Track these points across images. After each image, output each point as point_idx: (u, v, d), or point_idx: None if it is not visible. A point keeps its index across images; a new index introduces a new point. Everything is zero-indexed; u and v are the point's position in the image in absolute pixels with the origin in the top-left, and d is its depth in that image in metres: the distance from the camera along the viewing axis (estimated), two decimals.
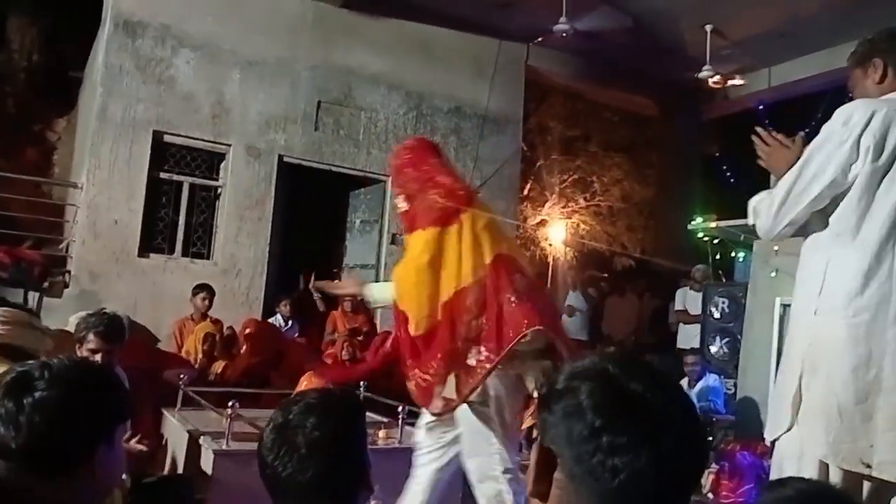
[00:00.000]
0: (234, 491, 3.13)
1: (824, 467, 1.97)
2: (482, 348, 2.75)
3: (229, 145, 7.45)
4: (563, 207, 10.47)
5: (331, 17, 7.90)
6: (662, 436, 0.83)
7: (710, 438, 5.15)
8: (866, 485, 1.97)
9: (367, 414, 2.74)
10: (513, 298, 2.75)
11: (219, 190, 7.52)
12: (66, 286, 6.74)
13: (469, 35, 8.53)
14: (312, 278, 7.35)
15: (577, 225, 10.41)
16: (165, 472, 3.77)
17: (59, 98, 9.78)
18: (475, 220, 2.90)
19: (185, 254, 7.29)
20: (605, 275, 10.61)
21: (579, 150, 10.84)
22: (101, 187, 6.87)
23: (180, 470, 3.66)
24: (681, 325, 7.70)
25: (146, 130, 7.05)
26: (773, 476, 2.14)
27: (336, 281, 3.91)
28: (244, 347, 6.00)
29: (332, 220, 8.71)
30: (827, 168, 2.02)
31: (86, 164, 6.97)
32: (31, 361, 1.47)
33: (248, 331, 6.02)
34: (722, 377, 6.31)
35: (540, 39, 7.80)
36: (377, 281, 6.69)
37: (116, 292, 6.66)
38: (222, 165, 7.53)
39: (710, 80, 8.42)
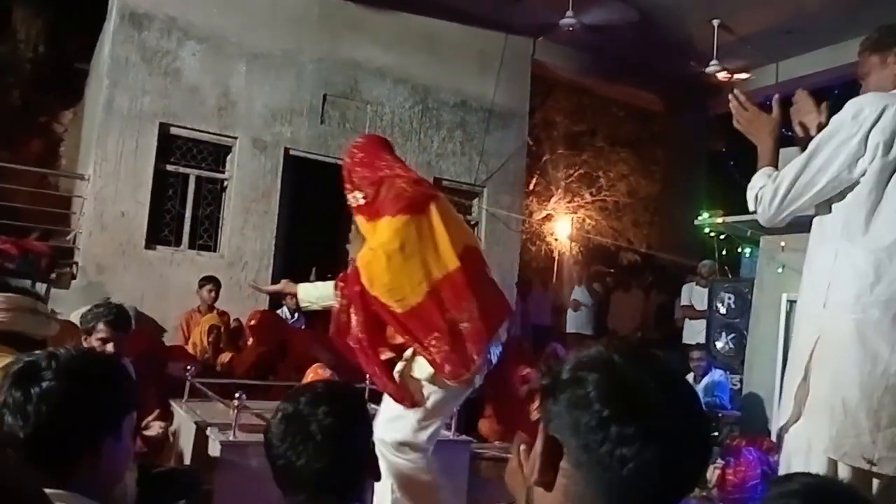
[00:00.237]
0: (241, 481, 3.15)
1: (832, 463, 1.97)
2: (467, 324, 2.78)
3: (235, 138, 7.46)
4: (569, 202, 10.46)
5: (337, 10, 7.89)
6: (669, 426, 0.84)
7: (716, 434, 5.15)
8: (875, 481, 1.96)
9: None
10: (481, 294, 2.81)
11: (225, 182, 7.53)
12: (74, 277, 6.77)
13: (475, 29, 8.51)
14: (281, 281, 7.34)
15: (583, 220, 10.40)
16: (172, 463, 3.78)
17: (65, 90, 9.78)
18: (442, 214, 2.92)
19: (191, 246, 7.31)
20: (611, 270, 10.60)
21: (585, 144, 10.82)
22: (108, 179, 6.88)
23: (187, 461, 3.67)
24: (686, 320, 7.70)
25: (152, 122, 7.06)
26: (782, 471, 2.13)
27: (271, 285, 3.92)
28: (250, 339, 6.01)
29: (338, 213, 8.71)
30: (833, 161, 2.01)
31: (92, 155, 6.98)
32: (38, 352, 1.47)
33: (253, 322, 6.03)
34: (727, 373, 6.31)
35: (546, 34, 7.77)
36: None
37: (123, 284, 6.68)
38: (228, 158, 7.53)
39: (717, 76, 8.39)
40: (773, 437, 2.91)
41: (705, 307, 6.91)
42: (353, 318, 2.86)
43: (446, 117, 8.51)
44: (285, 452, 1.40)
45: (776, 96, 2.21)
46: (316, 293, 3.07)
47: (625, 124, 10.77)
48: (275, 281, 7.44)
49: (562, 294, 9.65)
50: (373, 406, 2.89)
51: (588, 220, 10.38)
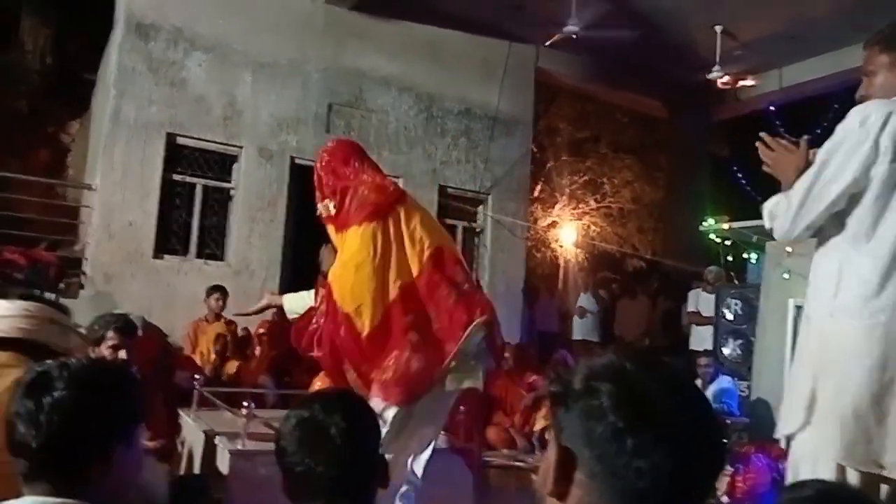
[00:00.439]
0: (250, 490, 3.15)
1: (841, 469, 1.97)
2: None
3: (241, 147, 7.50)
4: (574, 209, 10.46)
5: (341, 19, 7.93)
6: (684, 437, 0.84)
7: (725, 441, 5.12)
8: (884, 487, 1.96)
9: None
10: (453, 293, 2.77)
11: (231, 191, 7.56)
12: (82, 287, 6.79)
13: (479, 37, 8.54)
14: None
15: (588, 226, 10.40)
16: (181, 471, 3.79)
17: (72, 100, 9.84)
18: (410, 215, 2.91)
19: (198, 255, 7.34)
20: (617, 276, 10.58)
21: (589, 151, 10.83)
22: (115, 189, 6.92)
23: (196, 470, 3.67)
24: (693, 326, 7.67)
25: (159, 132, 7.10)
26: (790, 478, 2.13)
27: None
28: (258, 348, 6.02)
29: None
30: (845, 169, 2.00)
31: (100, 165, 7.02)
32: (49, 361, 1.48)
33: (262, 331, 6.04)
34: (735, 379, 6.28)
35: (550, 42, 7.79)
36: None
37: (131, 293, 6.70)
38: (235, 167, 7.57)
39: (720, 82, 8.40)
40: (783, 444, 2.89)
41: (712, 313, 6.88)
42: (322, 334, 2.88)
43: (451, 125, 8.54)
44: (303, 459, 1.41)
45: (805, 137, 2.19)
46: (301, 302, 3.09)
47: (628, 130, 10.78)
48: (282, 289, 7.48)
49: (567, 301, 9.63)
50: None
51: (593, 227, 10.38)
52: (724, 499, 4.55)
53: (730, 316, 6.46)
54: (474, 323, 2.70)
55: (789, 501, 1.11)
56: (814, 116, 8.48)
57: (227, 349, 6.10)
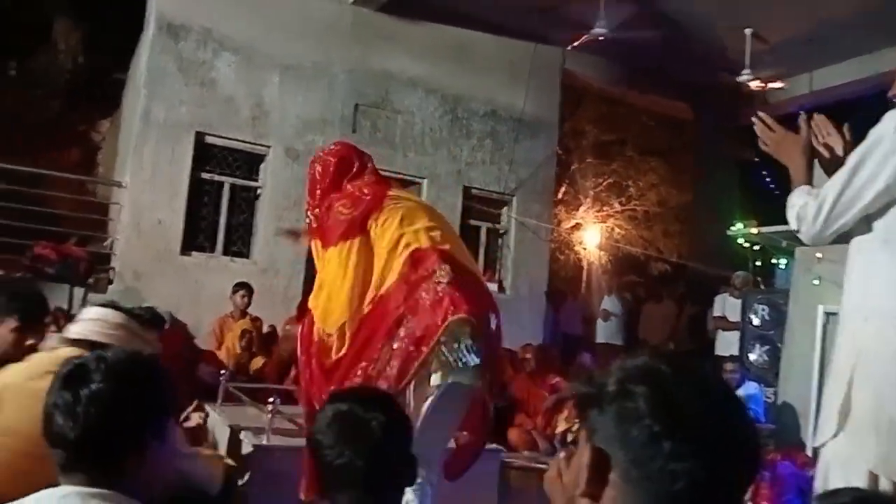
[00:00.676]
0: (274, 484, 3.18)
1: (873, 478, 1.93)
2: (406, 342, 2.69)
3: (269, 147, 7.57)
4: (598, 211, 10.40)
5: (368, 21, 7.97)
6: (721, 441, 0.83)
7: (760, 446, 5.06)
8: None
9: None
10: (431, 293, 2.69)
11: (258, 190, 7.63)
12: (111, 283, 6.90)
13: (506, 39, 8.54)
14: None
15: (612, 229, 10.33)
16: None
17: (102, 99, 9.99)
18: (388, 219, 2.85)
19: (225, 252, 7.43)
20: (641, 280, 10.50)
21: (615, 154, 10.77)
22: (145, 187, 7.02)
23: None
24: (719, 332, 7.59)
25: (188, 132, 7.19)
26: (819, 485, 2.10)
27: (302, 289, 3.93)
28: (283, 345, 6.06)
29: None
30: (880, 173, 1.97)
31: (129, 164, 7.13)
32: (86, 354, 1.51)
33: (288, 328, 6.09)
34: (761, 385, 6.21)
35: (576, 43, 7.76)
36: None
37: (159, 289, 6.79)
38: (262, 166, 7.64)
39: (750, 85, 8.30)
40: (809, 452, 2.85)
41: (739, 318, 6.81)
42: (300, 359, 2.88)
43: (476, 126, 8.54)
44: (343, 451, 1.42)
45: (802, 115, 2.16)
46: None
47: (655, 133, 10.69)
48: (306, 291, 7.54)
49: (591, 304, 9.59)
50: None
51: (617, 230, 10.32)
52: None
53: (757, 321, 6.38)
54: (449, 320, 2.64)
55: None
56: (844, 121, 8.37)
57: (253, 345, 6.16)
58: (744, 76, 8.13)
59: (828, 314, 4.78)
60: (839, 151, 2.14)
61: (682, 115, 10.54)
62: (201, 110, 7.26)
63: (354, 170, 3.08)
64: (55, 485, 1.39)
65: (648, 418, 0.83)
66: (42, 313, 2.85)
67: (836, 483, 1.92)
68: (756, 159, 9.61)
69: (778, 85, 8.74)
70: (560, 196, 9.96)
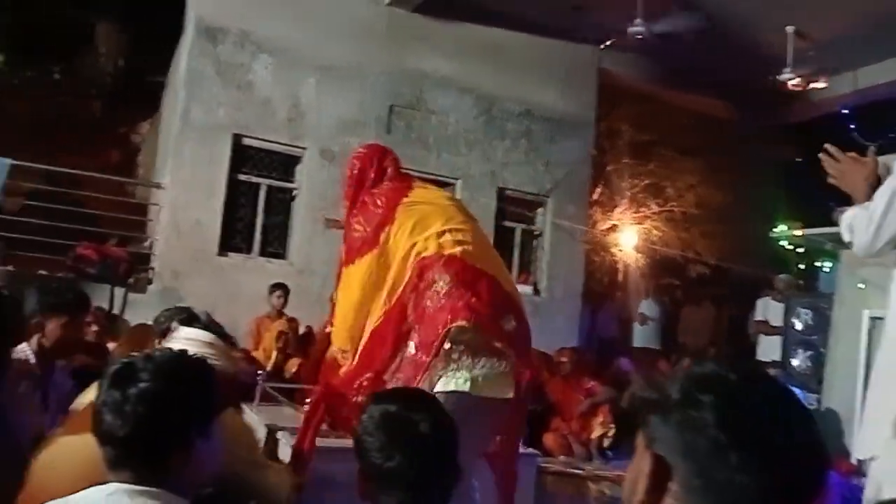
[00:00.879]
0: (310, 483, 3.18)
1: None
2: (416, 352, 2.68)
3: (304, 148, 7.62)
4: (635, 213, 10.26)
5: (403, 22, 7.98)
6: (789, 452, 0.81)
7: (827, 458, 4.94)
8: None
9: None
10: (430, 303, 2.66)
11: (294, 192, 7.69)
12: (150, 283, 7.01)
13: (541, 38, 8.49)
14: None
15: (649, 231, 10.19)
16: None
17: (142, 102, 10.16)
18: (401, 230, 2.82)
19: (261, 253, 7.50)
20: (679, 282, 10.35)
21: (652, 154, 10.61)
22: (184, 188, 7.11)
23: None
24: (761, 336, 7.45)
25: (226, 133, 7.28)
26: (870, 495, 2.03)
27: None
28: (320, 346, 6.09)
29: None
30: None
31: (169, 165, 7.23)
32: (134, 353, 1.52)
33: (328, 330, 6.11)
34: (804, 392, 6.07)
35: (613, 42, 7.69)
36: None
37: (197, 289, 6.87)
38: (298, 168, 7.70)
39: (792, 83, 8.14)
40: (854, 460, 2.77)
41: (781, 323, 6.67)
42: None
43: (511, 127, 8.51)
44: (392, 455, 1.41)
45: (872, 147, 2.14)
46: None
47: (693, 133, 10.50)
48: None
49: (628, 307, 9.48)
50: None
51: (654, 231, 10.16)
52: None
53: (799, 326, 6.24)
54: (452, 326, 2.62)
55: None
56: (889, 120, 8.16)
57: (289, 346, 6.20)
58: (785, 74, 7.97)
59: (873, 318, 4.66)
60: (869, 179, 2.11)
61: (721, 114, 10.36)
62: (239, 112, 7.34)
63: (372, 177, 3.05)
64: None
65: (714, 428, 0.80)
66: (86, 311, 2.94)
67: (889, 495, 1.87)
68: (799, 159, 9.46)
69: (820, 84, 8.54)
70: (596, 197, 9.84)
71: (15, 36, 8.99)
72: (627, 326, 9.23)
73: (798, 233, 5.33)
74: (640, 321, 8.83)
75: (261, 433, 3.74)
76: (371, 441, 1.44)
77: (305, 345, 6.46)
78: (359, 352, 2.82)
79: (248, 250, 7.47)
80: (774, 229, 5.60)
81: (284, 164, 7.69)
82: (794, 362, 6.22)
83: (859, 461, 2.43)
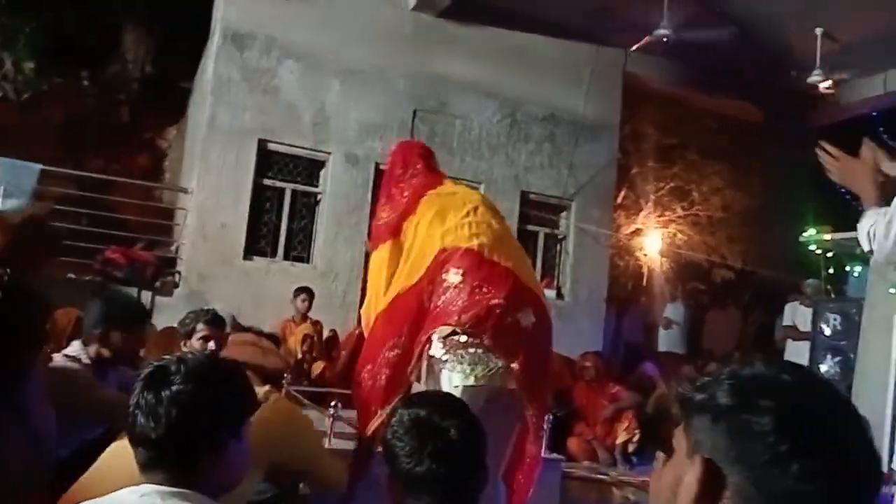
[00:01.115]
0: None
1: None
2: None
3: (329, 153, 7.67)
4: (660, 216, 10.18)
5: (428, 26, 8.00)
6: (850, 461, 0.78)
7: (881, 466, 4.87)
8: None
9: None
10: (438, 300, 2.69)
11: (319, 196, 7.74)
12: (177, 286, 7.09)
13: (566, 42, 8.46)
14: None
15: (674, 235, 10.10)
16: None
17: (169, 107, 10.28)
18: (422, 220, 2.86)
19: (286, 257, 7.55)
20: (704, 287, 10.24)
21: (677, 157, 10.52)
22: (210, 192, 7.19)
23: None
24: (789, 341, 7.35)
25: (252, 138, 7.34)
26: None
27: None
28: (343, 350, 6.12)
29: None
30: None
31: (195, 170, 7.31)
32: (167, 356, 1.54)
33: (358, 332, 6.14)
34: None
35: (639, 45, 7.64)
36: None
37: (223, 293, 6.94)
38: (322, 172, 7.75)
39: (820, 86, 8.03)
40: (885, 468, 2.72)
41: (809, 328, 6.59)
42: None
43: (535, 130, 8.49)
44: (422, 459, 1.41)
45: (866, 138, 2.11)
46: None
47: (719, 136, 10.40)
48: (363, 293, 7.60)
49: (652, 311, 9.40)
50: None
51: (679, 235, 10.07)
52: None
53: (828, 331, 6.17)
54: (430, 333, 2.62)
55: None
56: None
57: (314, 349, 6.23)
58: (814, 77, 7.86)
59: None
60: (878, 175, 2.09)
61: (748, 117, 10.24)
62: (264, 117, 7.41)
63: (400, 172, 3.10)
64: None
65: (774, 435, 0.76)
66: (147, 325, 3.41)
67: None
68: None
69: (850, 87, 8.41)
70: (620, 201, 9.78)
71: (43, 43, 9.14)
72: (652, 331, 9.16)
73: (827, 237, 5.26)
74: (665, 326, 8.75)
75: None
76: (401, 446, 1.45)
77: (330, 348, 6.49)
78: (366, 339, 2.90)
79: (273, 254, 7.52)
80: (803, 233, 5.51)
81: (309, 169, 7.74)
82: (823, 368, 6.14)
83: (891, 469, 2.39)
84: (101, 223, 7.21)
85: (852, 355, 5.71)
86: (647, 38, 7.26)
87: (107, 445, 1.94)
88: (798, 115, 9.50)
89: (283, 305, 6.87)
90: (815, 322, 6.30)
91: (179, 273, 7.17)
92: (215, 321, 3.31)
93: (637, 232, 10.00)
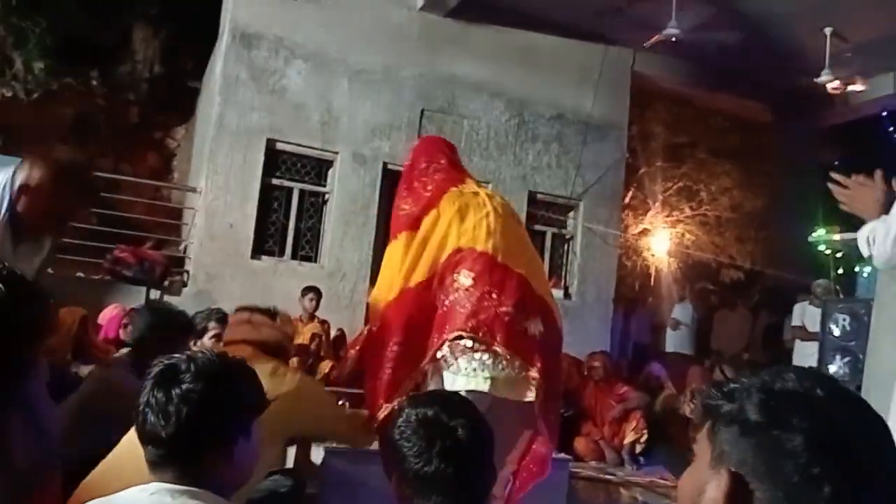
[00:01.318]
0: (342, 487, 3.21)
1: None
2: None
3: (337, 153, 7.68)
4: (668, 216, 10.16)
5: (436, 26, 8.01)
6: (885, 483, 0.75)
7: None
8: None
9: None
10: (447, 301, 2.67)
11: (326, 196, 7.75)
12: (185, 285, 7.11)
13: (574, 41, 8.45)
14: None
15: (682, 235, 10.07)
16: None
17: (178, 107, 10.31)
18: (443, 216, 2.83)
19: (293, 256, 7.56)
20: (713, 287, 10.22)
21: (685, 157, 10.50)
22: (218, 192, 7.20)
23: (289, 465, 3.76)
24: (797, 342, 7.31)
25: (260, 138, 7.36)
26: None
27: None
28: (351, 350, 6.12)
29: None
30: None
31: (204, 169, 7.33)
32: (177, 355, 1.54)
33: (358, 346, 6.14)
34: None
35: (648, 44, 7.61)
36: None
37: (230, 292, 6.94)
38: (330, 172, 7.76)
39: (830, 85, 7.99)
40: None
41: (818, 328, 6.56)
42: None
43: (542, 130, 8.48)
44: (430, 459, 1.41)
45: (878, 172, 2.14)
46: None
47: (728, 136, 10.38)
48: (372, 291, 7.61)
49: (660, 311, 9.38)
50: None
51: (687, 235, 10.05)
52: None
53: (837, 332, 6.12)
54: (444, 338, 2.61)
55: None
56: None
57: (321, 349, 6.24)
58: (824, 76, 7.82)
59: None
60: (879, 199, 2.14)
61: (757, 116, 10.21)
62: (272, 117, 7.42)
63: (423, 166, 3.10)
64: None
65: (806, 455, 0.74)
66: (190, 335, 3.37)
67: None
68: (837, 162, 9.27)
69: (859, 86, 8.36)
70: (628, 200, 9.76)
71: (53, 43, 9.19)
72: (660, 331, 9.14)
73: (836, 237, 5.24)
74: (673, 326, 8.73)
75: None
76: (408, 446, 1.45)
77: (337, 348, 6.50)
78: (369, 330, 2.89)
79: (281, 253, 7.54)
80: (812, 233, 5.49)
81: (317, 168, 7.75)
82: (832, 369, 6.10)
83: None
84: (109, 222, 7.24)
85: (861, 356, 5.64)
86: (656, 37, 7.24)
87: None
88: (807, 115, 9.45)
89: (290, 305, 6.86)
90: (823, 322, 6.26)
91: (188, 272, 7.19)
92: (226, 320, 3.35)
93: (645, 232, 9.98)
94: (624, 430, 6.19)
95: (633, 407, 6.24)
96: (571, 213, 8.76)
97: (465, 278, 2.70)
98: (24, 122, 8.61)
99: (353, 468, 3.22)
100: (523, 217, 8.15)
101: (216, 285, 7.07)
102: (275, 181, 7.53)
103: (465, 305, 2.66)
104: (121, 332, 5.61)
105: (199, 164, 7.96)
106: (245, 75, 7.35)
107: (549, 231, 8.68)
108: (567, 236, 8.80)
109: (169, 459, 1.41)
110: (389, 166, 7.77)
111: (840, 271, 6.41)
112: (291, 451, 3.77)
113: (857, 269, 6.43)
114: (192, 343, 3.30)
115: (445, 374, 2.67)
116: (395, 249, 2.89)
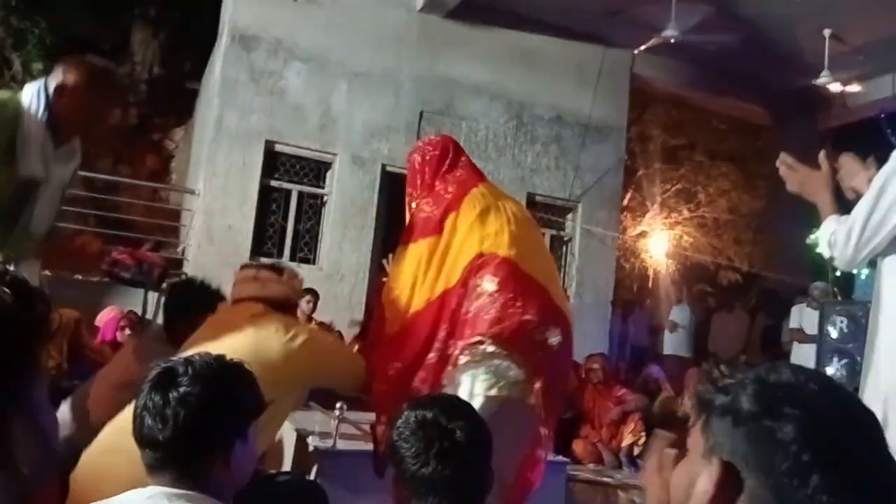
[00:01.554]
0: (339, 489, 3.20)
1: None
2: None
3: (335, 154, 7.68)
4: (666, 218, 10.18)
5: (434, 28, 8.01)
6: (872, 476, 0.76)
7: None
8: None
9: None
10: (471, 307, 2.62)
11: (325, 197, 7.75)
12: None
13: (573, 43, 8.46)
14: None
15: (680, 236, 10.09)
16: (272, 469, 3.88)
17: (177, 108, 10.32)
18: (464, 220, 2.77)
19: (292, 258, 7.55)
20: (710, 289, 10.24)
21: (683, 159, 10.52)
22: (217, 194, 7.20)
23: (287, 468, 3.76)
24: (795, 344, 7.32)
25: (258, 140, 7.36)
26: None
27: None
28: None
29: None
30: None
31: (202, 171, 7.33)
32: (174, 358, 1.54)
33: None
34: None
35: (647, 46, 7.63)
36: None
37: (228, 294, 6.93)
38: (328, 174, 7.76)
39: (829, 88, 8.01)
40: None
41: (816, 331, 6.57)
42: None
43: (541, 132, 8.48)
44: (427, 461, 1.41)
45: (822, 152, 2.21)
46: None
47: (726, 138, 10.41)
48: (370, 294, 7.62)
49: (658, 313, 9.38)
50: None
51: (686, 237, 10.06)
52: None
53: (834, 334, 6.14)
54: (465, 342, 2.61)
55: None
56: None
57: None
58: (822, 79, 7.84)
59: None
60: (864, 189, 2.14)
61: (755, 118, 10.24)
62: (271, 119, 7.42)
63: (448, 163, 3.06)
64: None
65: (796, 445, 0.75)
66: None
67: None
68: (835, 165, 9.30)
69: (858, 88, 8.38)
70: (626, 202, 9.78)
71: (52, 44, 9.19)
72: (658, 334, 9.15)
73: None
74: (670, 329, 8.73)
75: (290, 438, 3.78)
76: (406, 447, 1.45)
77: None
78: (392, 336, 2.79)
79: (279, 255, 7.53)
80: (810, 236, 5.49)
81: (315, 170, 7.75)
82: (829, 371, 6.11)
83: None
84: (108, 224, 7.24)
85: (859, 358, 5.67)
86: (654, 40, 7.25)
87: None
88: (806, 117, 9.47)
89: None
90: (821, 325, 6.27)
91: (186, 274, 7.16)
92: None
93: (643, 234, 9.99)
94: (622, 433, 6.18)
95: (631, 409, 6.24)
96: (570, 215, 8.77)
97: (488, 283, 2.68)
98: None
99: (348, 467, 3.21)
100: None
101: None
102: (273, 183, 7.53)
103: (489, 311, 2.64)
104: (118, 334, 5.60)
105: (197, 166, 7.96)
106: (244, 77, 7.35)
107: (548, 233, 8.67)
108: (565, 238, 8.81)
109: (166, 463, 1.41)
110: (388, 168, 7.77)
111: (838, 274, 6.42)
112: (291, 452, 3.78)
113: (854, 271, 6.44)
114: None
115: (464, 377, 2.66)
116: (418, 253, 2.83)
